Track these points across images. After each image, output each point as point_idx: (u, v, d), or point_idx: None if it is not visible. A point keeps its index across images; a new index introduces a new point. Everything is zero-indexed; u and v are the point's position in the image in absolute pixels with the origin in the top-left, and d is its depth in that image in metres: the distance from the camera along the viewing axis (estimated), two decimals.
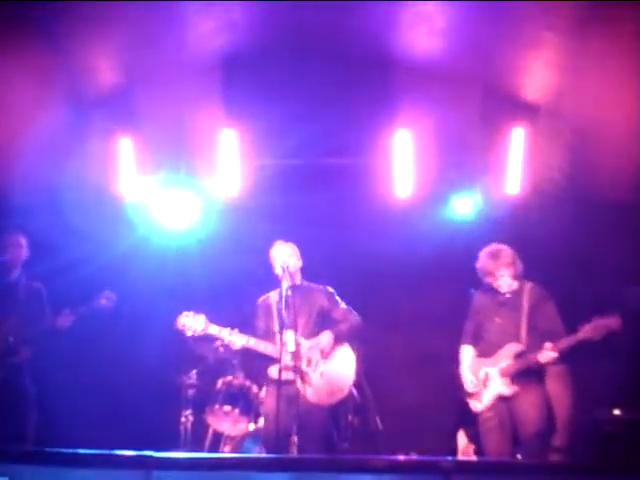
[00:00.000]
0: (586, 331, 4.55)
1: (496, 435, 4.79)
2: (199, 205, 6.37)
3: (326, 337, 4.94)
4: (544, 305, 4.86)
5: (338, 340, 4.98)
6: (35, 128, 5.47)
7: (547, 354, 4.62)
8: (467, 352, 5.09)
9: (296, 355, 4.84)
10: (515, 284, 4.96)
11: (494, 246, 5.06)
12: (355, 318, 5.09)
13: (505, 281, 4.95)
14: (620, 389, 5.49)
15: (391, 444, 5.91)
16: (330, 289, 5.17)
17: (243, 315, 5.39)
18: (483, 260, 5.03)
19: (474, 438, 5.42)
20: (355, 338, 5.13)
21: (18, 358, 5.11)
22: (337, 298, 5.14)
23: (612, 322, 4.51)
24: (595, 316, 4.55)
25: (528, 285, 4.95)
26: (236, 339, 4.94)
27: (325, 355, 4.94)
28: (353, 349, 5.10)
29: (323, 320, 5.04)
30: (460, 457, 5.50)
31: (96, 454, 2.87)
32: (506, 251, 5.00)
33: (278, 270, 4.99)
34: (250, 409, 5.68)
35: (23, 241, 5.41)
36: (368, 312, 6.54)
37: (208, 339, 5.55)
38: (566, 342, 4.61)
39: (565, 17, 4.96)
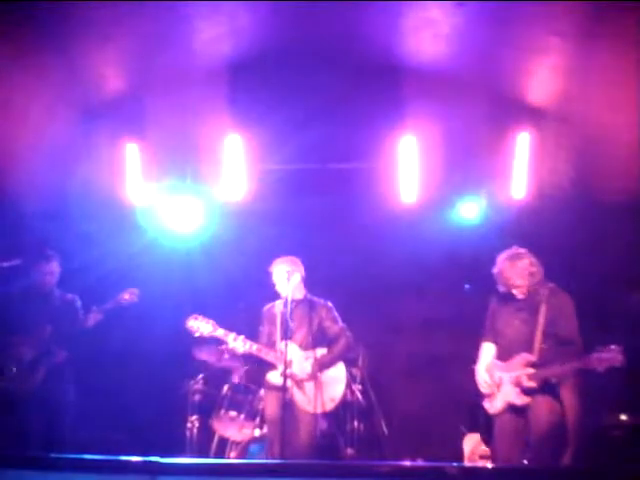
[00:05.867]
0: (587, 363, 4.38)
1: (508, 442, 4.70)
2: (205, 210, 6.40)
3: (322, 354, 5.16)
4: (563, 310, 4.67)
5: (331, 362, 5.19)
6: (44, 136, 5.52)
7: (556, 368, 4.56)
8: (488, 350, 4.91)
9: (294, 364, 5.03)
10: (534, 288, 4.76)
11: (513, 250, 4.86)
12: (347, 339, 5.24)
13: (523, 286, 4.77)
14: (627, 394, 5.47)
15: (397, 449, 5.91)
16: (329, 304, 5.30)
17: (247, 319, 5.44)
18: (501, 264, 4.84)
19: (485, 439, 5.40)
20: (345, 358, 5.35)
21: (54, 361, 5.27)
22: (335, 314, 5.28)
23: (614, 358, 4.30)
24: (598, 348, 4.36)
25: (548, 289, 4.73)
26: (240, 344, 5.08)
27: (319, 368, 5.11)
28: (345, 363, 5.33)
29: (320, 334, 5.20)
30: (466, 463, 5.50)
31: (101, 459, 2.87)
32: (525, 255, 4.81)
33: (278, 287, 5.20)
34: (255, 415, 5.71)
35: (56, 266, 5.53)
36: (373, 316, 6.55)
37: (214, 344, 5.59)
38: (571, 366, 4.53)
39: (571, 21, 4.95)
